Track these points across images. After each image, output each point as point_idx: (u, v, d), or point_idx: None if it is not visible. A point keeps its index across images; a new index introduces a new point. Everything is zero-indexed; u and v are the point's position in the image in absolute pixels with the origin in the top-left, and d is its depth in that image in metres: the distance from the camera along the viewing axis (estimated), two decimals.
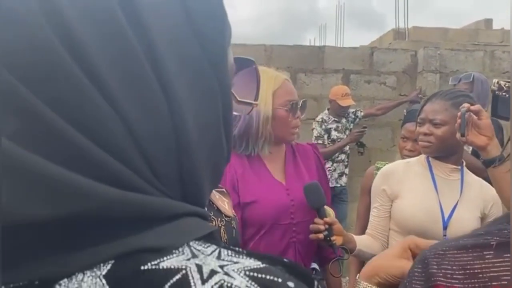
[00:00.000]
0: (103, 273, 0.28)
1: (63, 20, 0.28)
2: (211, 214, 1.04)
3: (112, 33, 0.30)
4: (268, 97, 1.52)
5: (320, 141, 4.27)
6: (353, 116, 4.56)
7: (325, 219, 1.49)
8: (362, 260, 1.95)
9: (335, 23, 10.75)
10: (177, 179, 0.33)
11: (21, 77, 0.27)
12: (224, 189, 1.14)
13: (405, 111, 2.26)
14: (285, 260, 0.32)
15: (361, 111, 4.64)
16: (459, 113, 1.45)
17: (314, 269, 1.61)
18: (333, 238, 1.48)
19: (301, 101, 1.62)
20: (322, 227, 1.47)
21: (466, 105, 1.46)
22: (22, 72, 0.27)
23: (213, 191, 1.07)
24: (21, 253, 0.28)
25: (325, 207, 1.56)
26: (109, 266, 0.28)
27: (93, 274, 0.28)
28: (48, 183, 0.27)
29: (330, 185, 4.22)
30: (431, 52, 5.04)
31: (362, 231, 1.92)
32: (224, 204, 1.10)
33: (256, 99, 0.56)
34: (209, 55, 0.35)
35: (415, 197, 1.63)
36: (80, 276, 0.28)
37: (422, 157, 1.72)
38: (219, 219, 1.05)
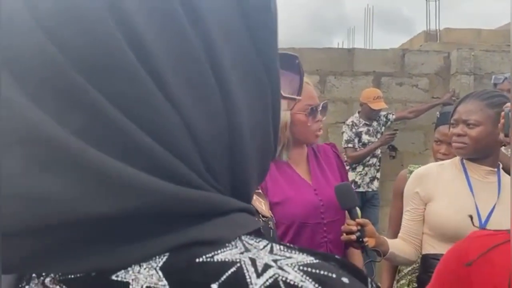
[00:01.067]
0: (159, 265, 0.29)
1: (126, 16, 0.29)
2: None
3: (173, 30, 0.30)
4: (285, 103, 1.49)
5: (350, 145, 4.23)
6: (384, 119, 4.49)
7: (357, 220, 1.47)
8: (394, 264, 1.91)
9: (364, 26, 10.66)
10: (228, 176, 0.34)
11: (85, 73, 0.28)
12: (260, 190, 1.15)
13: (438, 113, 2.21)
14: (337, 256, 0.32)
15: (392, 114, 4.57)
16: (502, 113, 1.40)
17: None
18: (365, 239, 1.46)
19: (321, 104, 1.62)
20: (354, 228, 1.45)
21: (509, 104, 1.41)
22: (86, 68, 0.28)
23: None
24: (79, 245, 0.28)
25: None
26: (164, 259, 0.29)
27: (149, 266, 0.29)
28: (111, 179, 0.27)
29: (362, 189, 4.18)
30: (465, 53, 4.92)
31: (395, 236, 1.88)
32: (261, 205, 1.11)
33: (299, 94, 0.56)
34: (261, 52, 0.36)
35: (450, 200, 1.58)
36: (136, 268, 0.29)
37: (456, 159, 1.67)
38: (256, 219, 1.05)
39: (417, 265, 1.81)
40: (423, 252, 1.67)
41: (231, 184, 0.34)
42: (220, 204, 0.32)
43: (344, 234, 1.47)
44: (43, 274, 0.30)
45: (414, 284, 1.88)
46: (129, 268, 0.29)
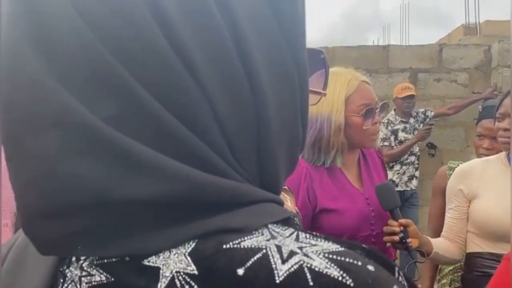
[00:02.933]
0: (188, 251, 0.29)
1: (161, 8, 0.30)
2: None
3: (205, 22, 0.31)
4: (340, 104, 1.42)
5: (386, 143, 4.15)
6: (423, 116, 4.38)
7: (399, 220, 1.41)
8: (439, 263, 1.85)
9: (400, 22, 10.44)
10: (257, 166, 0.34)
11: (121, 60, 0.29)
12: (286, 187, 1.13)
13: (480, 107, 2.12)
14: (363, 245, 0.32)
15: (431, 111, 4.46)
16: None
17: None
18: (408, 240, 1.41)
19: (381, 103, 1.52)
20: (397, 229, 1.40)
21: None
22: (122, 55, 0.29)
23: None
24: (113, 230, 0.29)
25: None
26: (193, 245, 0.30)
27: (179, 251, 0.29)
28: (142, 165, 0.28)
29: (400, 188, 4.09)
30: (506, 45, 4.74)
31: (435, 234, 1.82)
32: (287, 201, 1.09)
33: (324, 88, 0.56)
34: (290, 44, 0.36)
35: (496, 197, 1.52)
36: (167, 253, 0.30)
37: (502, 154, 1.60)
38: (283, 207, 1.03)
39: (459, 264, 1.75)
40: (468, 251, 1.61)
41: (259, 175, 0.35)
42: (249, 194, 0.32)
43: (387, 235, 1.43)
44: (82, 258, 0.31)
45: (456, 283, 1.83)
46: (160, 254, 0.30)
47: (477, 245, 1.57)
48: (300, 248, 0.30)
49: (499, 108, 1.57)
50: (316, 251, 0.29)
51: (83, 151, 0.28)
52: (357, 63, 4.89)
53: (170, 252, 0.30)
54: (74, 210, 0.29)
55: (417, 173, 4.25)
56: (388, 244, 1.43)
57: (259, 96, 0.33)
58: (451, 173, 2.08)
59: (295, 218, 1.17)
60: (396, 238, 1.40)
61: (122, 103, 0.29)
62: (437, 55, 4.97)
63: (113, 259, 0.30)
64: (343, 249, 0.30)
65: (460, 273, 1.78)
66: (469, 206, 1.60)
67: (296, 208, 1.12)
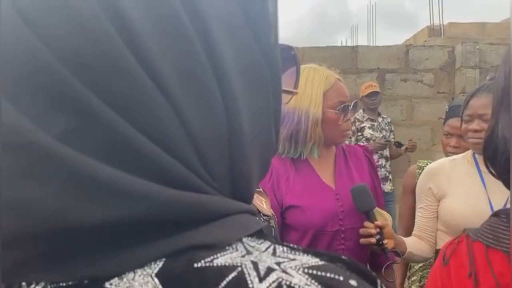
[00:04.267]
0: (155, 271, 0.27)
1: (120, 12, 0.27)
2: None
3: (171, 26, 0.29)
4: (318, 98, 1.44)
5: (347, 142, 4.20)
6: (388, 120, 4.44)
7: (376, 222, 1.42)
8: (410, 262, 1.88)
9: (367, 23, 10.61)
10: (229, 177, 0.33)
11: (75, 71, 0.26)
12: (261, 189, 1.12)
13: (447, 107, 2.17)
14: (344, 257, 0.30)
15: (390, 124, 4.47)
16: None
17: None
18: (385, 241, 1.41)
19: (353, 102, 1.54)
20: (373, 231, 1.40)
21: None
22: (76, 66, 0.26)
23: None
24: (70, 252, 0.27)
25: (382, 211, 1.49)
26: (160, 264, 0.27)
27: (144, 272, 0.27)
28: (101, 186, 0.26)
29: None
30: (469, 47, 4.89)
31: (405, 232, 1.85)
32: (262, 203, 1.08)
33: (296, 87, 0.54)
34: (261, 43, 0.34)
35: (464, 196, 1.55)
36: (131, 275, 0.27)
37: (468, 153, 1.64)
38: (257, 218, 1.02)
39: (429, 261, 1.79)
40: (438, 248, 1.64)
41: (231, 184, 0.33)
42: (221, 207, 0.30)
43: (363, 238, 1.43)
44: (33, 282, 0.29)
45: (425, 280, 1.86)
46: (123, 275, 0.27)
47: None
48: (278, 263, 0.28)
49: (466, 109, 1.59)
50: (295, 266, 0.28)
51: (34, 174, 0.26)
52: (326, 63, 4.90)
53: (135, 273, 0.27)
54: (26, 237, 0.26)
55: (390, 176, 4.28)
56: (362, 240, 1.43)
57: (232, 106, 0.31)
58: (420, 172, 2.12)
59: (270, 221, 1.15)
60: (373, 240, 1.40)
61: (77, 117, 0.26)
62: (403, 56, 5.07)
63: (70, 283, 0.27)
64: (323, 263, 0.28)
65: (429, 270, 1.81)
66: (438, 205, 1.63)
67: (272, 210, 1.11)
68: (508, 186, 0.60)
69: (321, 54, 5.02)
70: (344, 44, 11.42)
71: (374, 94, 4.25)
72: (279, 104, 0.37)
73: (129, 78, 0.27)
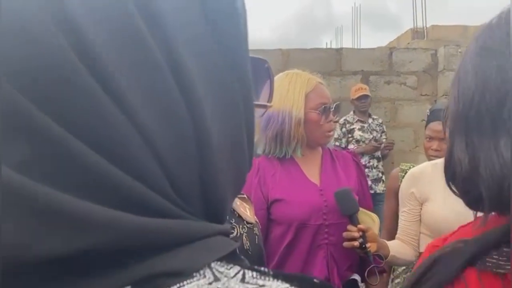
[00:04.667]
0: None
1: (74, 24, 0.26)
2: (233, 221, 1.01)
3: (130, 39, 0.27)
4: (301, 100, 1.51)
5: (337, 143, 4.21)
6: (380, 121, 4.46)
7: (359, 226, 1.44)
8: (394, 265, 1.90)
9: (352, 25, 10.69)
10: (200, 197, 0.31)
11: (32, 97, 0.25)
12: (245, 196, 1.12)
13: (428, 111, 2.20)
14: (315, 281, 0.30)
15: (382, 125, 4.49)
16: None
17: (354, 280, 1.55)
18: (368, 245, 1.43)
19: (335, 104, 1.60)
20: (356, 234, 1.42)
21: None
22: (33, 92, 0.25)
23: None
24: (30, 282, 0.25)
25: (369, 212, 1.51)
26: None
27: None
28: (61, 216, 0.24)
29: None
30: (452, 50, 4.95)
31: (389, 235, 1.86)
32: (246, 211, 1.07)
33: (270, 100, 0.53)
34: (230, 59, 0.33)
35: (446, 199, 1.57)
36: None
37: None
38: (240, 226, 1.02)
39: (412, 264, 1.80)
40: (421, 251, 1.65)
41: (204, 205, 0.32)
42: (190, 231, 0.29)
43: (347, 241, 1.45)
44: None
45: None
46: None
47: None
48: None
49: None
50: None
51: None
52: (311, 65, 4.91)
53: None
54: None
55: (384, 177, 4.25)
56: (346, 243, 1.45)
57: (201, 127, 0.30)
58: (403, 175, 2.14)
59: (254, 228, 1.14)
60: (356, 243, 1.42)
61: (35, 145, 0.25)
62: (387, 58, 5.11)
63: None
64: None
65: None
66: (421, 209, 1.64)
67: (255, 217, 1.10)
68: (469, 206, 0.62)
69: (306, 56, 5.03)
70: (329, 45, 11.48)
71: (364, 97, 4.27)
72: (252, 117, 0.36)
73: (90, 102, 0.25)
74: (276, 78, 1.57)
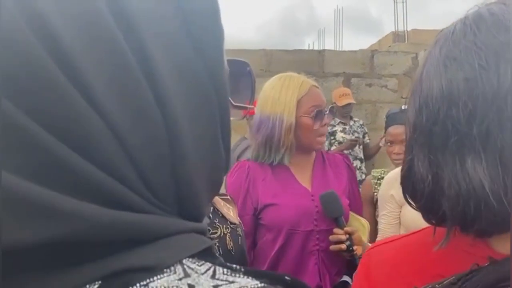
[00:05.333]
0: None
1: (50, 31, 0.26)
2: (216, 221, 1.01)
3: (101, 38, 0.28)
4: (292, 105, 1.48)
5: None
6: (361, 123, 4.49)
7: (345, 228, 1.44)
8: None
9: (334, 27, 10.77)
10: (173, 194, 0.32)
11: (5, 91, 0.25)
12: (228, 197, 1.12)
13: (385, 117, 2.21)
14: (286, 277, 0.30)
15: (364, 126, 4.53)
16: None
17: (345, 282, 1.54)
18: (354, 247, 1.43)
19: (329, 106, 1.58)
20: (343, 237, 1.42)
21: None
22: (7, 86, 0.25)
23: (218, 198, 1.05)
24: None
25: (359, 217, 1.51)
26: (95, 287, 0.26)
27: None
28: (31, 206, 0.25)
29: None
30: None
31: (370, 240, 1.89)
32: (229, 211, 1.08)
33: (251, 102, 0.54)
34: (204, 59, 0.33)
35: None
36: None
37: None
38: (224, 226, 1.02)
39: None
40: None
41: (178, 201, 0.32)
42: (162, 227, 0.29)
43: (333, 244, 1.45)
44: None
45: None
46: None
47: None
48: (216, 286, 0.27)
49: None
50: None
51: None
52: (293, 67, 4.95)
53: None
54: None
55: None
56: (332, 246, 1.45)
57: (170, 117, 0.30)
58: (376, 182, 2.17)
59: (237, 229, 1.14)
60: (344, 246, 1.42)
61: (4, 136, 0.25)
62: (369, 61, 5.17)
63: None
64: (262, 285, 0.28)
65: None
66: (400, 211, 1.66)
67: (238, 218, 1.10)
68: (429, 222, 0.58)
69: (288, 57, 5.05)
70: (311, 47, 11.55)
71: (349, 105, 4.30)
72: (227, 120, 0.36)
73: (59, 95, 0.26)
74: (269, 81, 1.58)
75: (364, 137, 4.42)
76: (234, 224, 1.06)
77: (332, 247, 1.44)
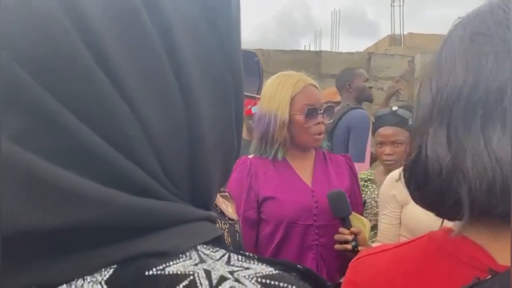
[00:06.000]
0: (105, 278, 0.26)
1: (81, 11, 0.27)
2: None
3: (132, 27, 0.28)
4: (286, 103, 1.52)
5: None
6: None
7: (351, 229, 1.44)
8: None
9: (331, 29, 10.81)
10: (188, 181, 0.32)
11: (31, 70, 0.26)
12: (227, 193, 1.12)
13: (373, 118, 2.18)
14: (299, 266, 0.30)
15: None
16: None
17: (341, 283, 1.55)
18: (360, 248, 1.43)
19: (325, 105, 1.58)
20: (349, 237, 1.43)
21: None
22: (33, 65, 0.26)
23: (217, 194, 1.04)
24: (17, 258, 0.26)
25: (360, 216, 1.52)
26: (111, 272, 0.27)
27: (94, 279, 0.26)
28: (55, 189, 0.25)
29: None
30: (428, 58, 5.04)
31: None
32: (228, 208, 1.08)
33: (259, 92, 0.53)
34: (225, 49, 0.34)
35: None
36: (80, 282, 0.26)
37: None
38: (222, 222, 1.03)
39: None
40: None
41: (191, 190, 0.32)
42: (178, 214, 0.30)
43: (338, 243, 1.45)
44: None
45: None
46: (72, 282, 0.26)
47: None
48: (231, 272, 0.27)
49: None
50: (249, 276, 0.27)
51: None
52: (290, 67, 4.94)
53: (84, 280, 0.26)
54: None
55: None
56: (337, 246, 1.45)
57: (193, 113, 0.31)
58: (364, 184, 2.15)
59: (235, 225, 1.14)
60: (349, 246, 1.43)
61: (32, 117, 0.25)
62: (365, 63, 5.18)
63: None
64: (277, 272, 0.28)
65: None
66: (401, 211, 1.66)
67: (236, 215, 1.10)
68: (442, 214, 0.54)
69: (285, 57, 5.05)
70: (307, 48, 11.57)
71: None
72: (241, 108, 0.37)
73: (89, 80, 0.26)
74: (269, 79, 1.62)
75: None
76: (232, 220, 1.07)
77: (338, 246, 1.45)
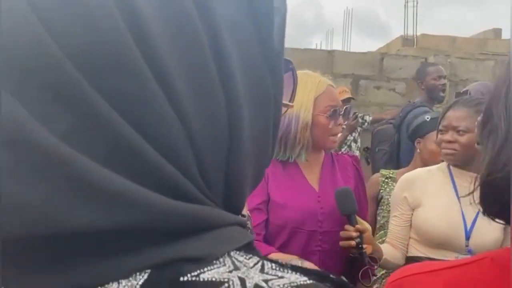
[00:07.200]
0: (140, 283, 0.26)
1: (136, 14, 0.27)
2: None
3: (184, 30, 0.28)
4: (309, 103, 1.49)
5: None
6: (360, 120, 4.51)
7: (356, 226, 1.44)
8: (385, 269, 1.91)
9: (342, 28, 10.75)
10: (222, 186, 0.32)
11: (84, 69, 0.26)
12: None
13: (427, 117, 2.14)
14: (332, 276, 0.30)
15: (369, 116, 4.61)
16: (475, 122, 1.40)
17: None
18: (364, 246, 1.43)
19: (344, 107, 1.58)
20: (354, 234, 1.42)
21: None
22: (85, 64, 0.26)
23: None
24: (55, 258, 0.26)
25: (362, 221, 1.51)
26: (145, 276, 0.26)
27: (129, 283, 0.26)
28: (96, 190, 0.25)
29: None
30: (441, 59, 5.01)
31: None
32: None
33: (292, 100, 0.55)
34: (267, 56, 0.34)
35: (437, 207, 1.59)
36: (115, 285, 0.26)
37: (443, 165, 1.68)
38: (247, 230, 1.02)
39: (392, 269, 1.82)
40: (408, 255, 1.68)
41: (224, 194, 0.32)
42: (213, 218, 0.30)
43: (343, 240, 1.45)
44: None
45: None
46: (106, 286, 0.26)
47: (418, 251, 1.63)
48: (266, 281, 0.27)
49: (442, 120, 1.62)
50: (283, 285, 0.27)
51: (34, 173, 0.24)
52: (302, 65, 4.92)
53: (119, 283, 0.26)
54: (17, 239, 0.25)
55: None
56: (342, 242, 1.45)
57: (235, 115, 0.31)
58: (384, 180, 2.15)
59: (247, 222, 1.16)
60: (353, 243, 1.42)
61: (80, 116, 0.25)
62: (378, 64, 5.16)
63: None
64: (311, 282, 0.28)
65: None
66: (412, 214, 1.66)
67: (248, 212, 1.11)
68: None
69: (298, 56, 5.04)
70: (318, 46, 11.53)
71: (348, 100, 4.30)
72: (279, 116, 0.37)
73: (139, 83, 0.26)
74: None
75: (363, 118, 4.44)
76: (244, 216, 1.06)
77: (342, 243, 1.44)
